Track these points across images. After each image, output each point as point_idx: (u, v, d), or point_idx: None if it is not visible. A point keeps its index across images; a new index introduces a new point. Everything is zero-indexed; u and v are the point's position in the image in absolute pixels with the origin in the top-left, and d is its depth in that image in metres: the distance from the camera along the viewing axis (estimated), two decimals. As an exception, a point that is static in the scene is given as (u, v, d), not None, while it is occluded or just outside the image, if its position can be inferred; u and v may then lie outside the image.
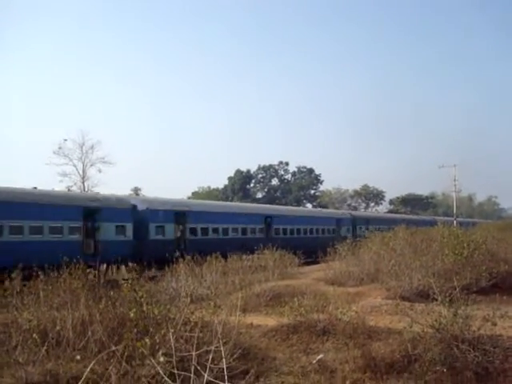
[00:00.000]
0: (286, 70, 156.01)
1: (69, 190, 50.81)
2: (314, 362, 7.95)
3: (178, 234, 27.40)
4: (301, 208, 63.34)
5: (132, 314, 7.37)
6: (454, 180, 61.42)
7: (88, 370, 5.88)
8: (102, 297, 8.36)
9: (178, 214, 27.50)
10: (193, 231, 28.15)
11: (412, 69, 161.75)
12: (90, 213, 23.44)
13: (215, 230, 29.67)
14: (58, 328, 7.78)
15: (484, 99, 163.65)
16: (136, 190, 72.76)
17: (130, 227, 24.69)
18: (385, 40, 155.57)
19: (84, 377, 5.80)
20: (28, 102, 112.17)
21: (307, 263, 23.74)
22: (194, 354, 5.81)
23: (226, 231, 30.36)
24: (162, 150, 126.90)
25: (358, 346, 8.31)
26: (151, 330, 7.13)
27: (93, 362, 6.08)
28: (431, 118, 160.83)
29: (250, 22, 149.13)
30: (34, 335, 7.06)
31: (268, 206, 54.35)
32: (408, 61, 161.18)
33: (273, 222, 34.49)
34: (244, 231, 31.73)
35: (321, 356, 8.11)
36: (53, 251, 17.36)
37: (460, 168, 60.86)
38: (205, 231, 28.84)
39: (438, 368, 7.17)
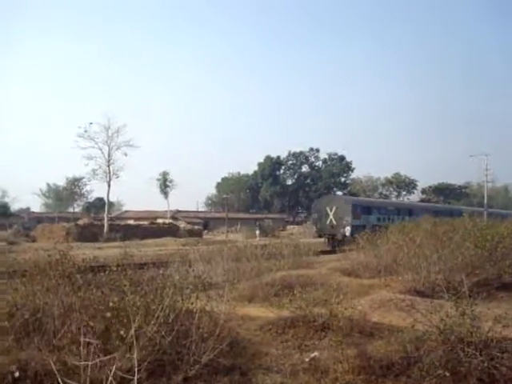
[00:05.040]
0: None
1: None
2: (307, 360, 7.37)
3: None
4: None
5: (111, 304, 6.95)
6: (486, 170, 61.39)
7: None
8: (81, 284, 7.87)
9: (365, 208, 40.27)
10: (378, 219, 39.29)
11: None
12: None
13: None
14: (39, 315, 7.38)
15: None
16: (164, 175, 72.80)
17: None
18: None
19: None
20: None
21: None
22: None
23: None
24: (190, 135, 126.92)
25: (354, 344, 7.68)
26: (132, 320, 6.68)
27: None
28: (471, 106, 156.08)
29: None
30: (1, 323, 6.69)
31: None
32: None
33: None
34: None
35: (315, 354, 7.50)
36: None
37: (495, 158, 60.94)
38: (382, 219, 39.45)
39: (439, 372, 6.49)
